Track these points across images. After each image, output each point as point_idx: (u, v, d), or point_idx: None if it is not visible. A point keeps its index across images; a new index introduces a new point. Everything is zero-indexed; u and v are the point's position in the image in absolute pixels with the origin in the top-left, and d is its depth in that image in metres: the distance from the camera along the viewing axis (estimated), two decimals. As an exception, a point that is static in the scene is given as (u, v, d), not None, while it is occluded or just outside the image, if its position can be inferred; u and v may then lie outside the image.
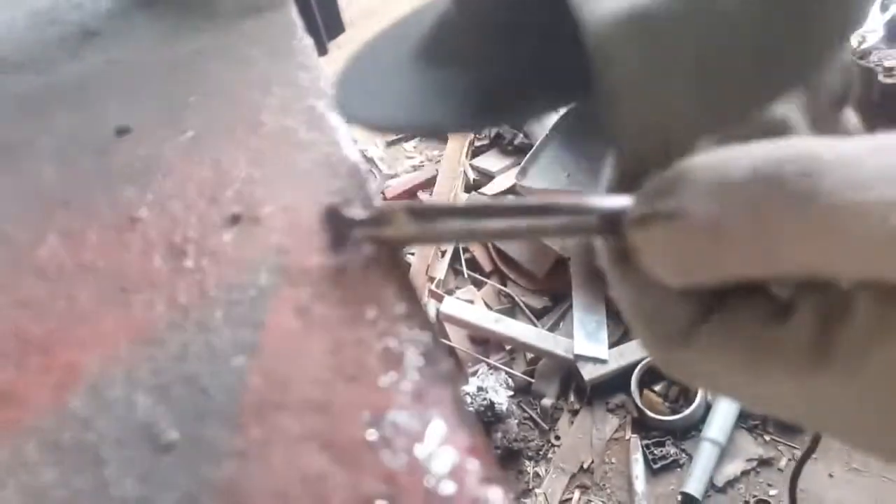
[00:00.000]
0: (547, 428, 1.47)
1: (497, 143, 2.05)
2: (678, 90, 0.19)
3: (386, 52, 0.30)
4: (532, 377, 1.54)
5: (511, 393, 1.49)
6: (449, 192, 1.93)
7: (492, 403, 1.43)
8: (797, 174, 0.19)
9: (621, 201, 0.23)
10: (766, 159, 0.20)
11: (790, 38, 0.20)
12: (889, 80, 1.29)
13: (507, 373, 1.53)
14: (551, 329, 1.60)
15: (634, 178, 0.23)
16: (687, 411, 1.37)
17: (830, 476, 1.29)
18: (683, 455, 1.37)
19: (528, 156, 1.71)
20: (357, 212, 0.28)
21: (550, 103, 0.24)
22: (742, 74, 0.19)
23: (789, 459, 1.33)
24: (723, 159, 0.21)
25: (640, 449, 1.39)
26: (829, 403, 0.21)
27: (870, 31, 1.40)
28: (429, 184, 2.01)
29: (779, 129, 0.22)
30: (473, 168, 2.02)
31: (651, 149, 0.20)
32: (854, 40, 1.36)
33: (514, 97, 0.25)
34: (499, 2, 0.26)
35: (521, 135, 1.96)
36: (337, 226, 0.29)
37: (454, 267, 1.79)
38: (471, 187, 1.99)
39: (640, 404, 1.40)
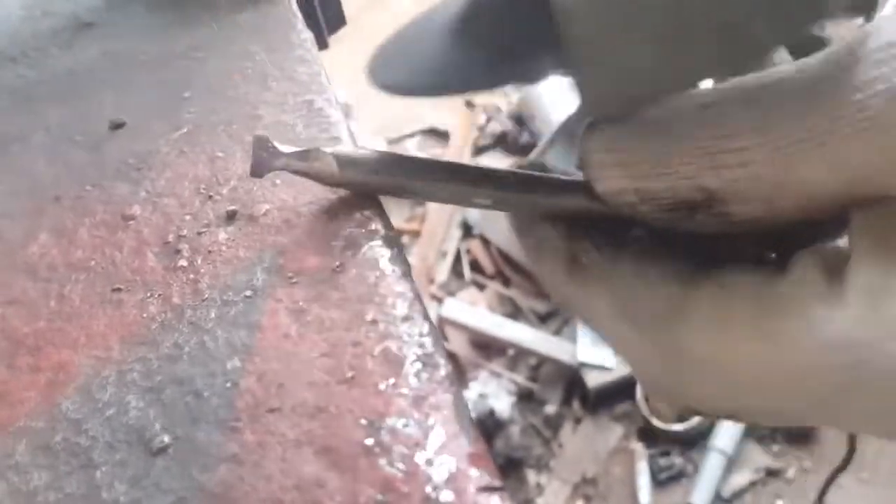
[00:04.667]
0: (549, 436, 1.45)
1: (501, 142, 2.04)
2: (641, 51, 0.19)
3: (421, 27, 0.32)
4: (535, 383, 1.52)
5: (513, 399, 1.48)
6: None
7: (493, 410, 1.42)
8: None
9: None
10: None
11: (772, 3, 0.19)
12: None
13: (509, 378, 1.52)
14: (555, 333, 1.57)
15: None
16: (694, 420, 1.34)
17: (840, 487, 1.28)
18: (689, 465, 1.35)
19: (532, 153, 1.70)
20: (287, 147, 0.30)
21: (547, 68, 0.25)
22: (711, 40, 0.19)
23: (798, 470, 1.31)
24: None
25: (645, 459, 1.37)
26: (852, 355, 0.19)
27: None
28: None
29: None
30: (476, 166, 2.01)
31: (614, 105, 0.21)
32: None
33: (518, 60, 0.26)
34: None
35: (526, 133, 1.95)
36: (262, 153, 0.30)
37: (456, 269, 1.78)
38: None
39: (646, 413, 1.38)
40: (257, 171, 0.31)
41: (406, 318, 0.27)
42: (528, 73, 0.26)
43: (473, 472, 0.22)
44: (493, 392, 1.45)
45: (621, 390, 1.43)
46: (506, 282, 1.72)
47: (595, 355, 1.45)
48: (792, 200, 0.21)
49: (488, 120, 2.07)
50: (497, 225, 1.72)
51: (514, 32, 0.26)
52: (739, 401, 0.23)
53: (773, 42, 0.20)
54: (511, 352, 1.58)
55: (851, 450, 0.93)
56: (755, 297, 0.21)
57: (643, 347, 0.24)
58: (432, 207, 1.82)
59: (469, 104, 2.04)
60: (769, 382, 0.22)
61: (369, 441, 0.24)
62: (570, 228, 0.25)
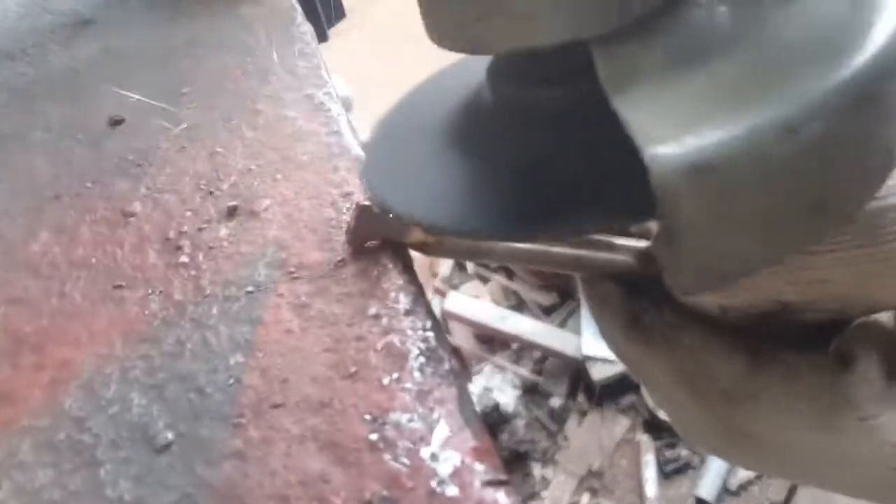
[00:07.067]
0: (555, 429, 1.46)
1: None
2: (739, 237, 0.20)
3: (413, 133, 0.28)
4: (539, 376, 1.53)
5: (518, 392, 1.48)
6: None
7: (497, 403, 1.42)
8: None
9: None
10: None
11: (848, 179, 0.20)
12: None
13: (513, 372, 1.52)
14: (559, 326, 1.58)
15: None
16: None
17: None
18: (696, 457, 1.35)
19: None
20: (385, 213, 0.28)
21: (609, 219, 0.22)
22: (802, 220, 0.20)
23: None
24: None
25: (652, 451, 1.38)
26: None
27: None
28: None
29: None
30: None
31: (704, 285, 0.21)
32: None
33: (568, 206, 0.22)
34: (547, 89, 0.23)
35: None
36: (366, 224, 0.29)
37: (459, 262, 1.78)
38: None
39: (651, 405, 1.38)
40: (357, 245, 0.29)
41: (409, 313, 0.27)
42: (567, 226, 0.22)
43: (478, 467, 0.22)
44: (498, 386, 1.46)
45: (626, 383, 1.43)
46: (509, 274, 1.72)
47: (600, 348, 1.45)
48: (863, 310, 0.23)
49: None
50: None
51: (572, 185, 0.22)
52: (794, 477, 0.25)
53: (859, 205, 0.21)
54: (515, 345, 1.59)
55: None
56: (821, 390, 0.22)
57: (702, 418, 0.24)
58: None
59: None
60: (825, 466, 0.23)
61: (374, 436, 0.24)
62: (631, 286, 0.25)
